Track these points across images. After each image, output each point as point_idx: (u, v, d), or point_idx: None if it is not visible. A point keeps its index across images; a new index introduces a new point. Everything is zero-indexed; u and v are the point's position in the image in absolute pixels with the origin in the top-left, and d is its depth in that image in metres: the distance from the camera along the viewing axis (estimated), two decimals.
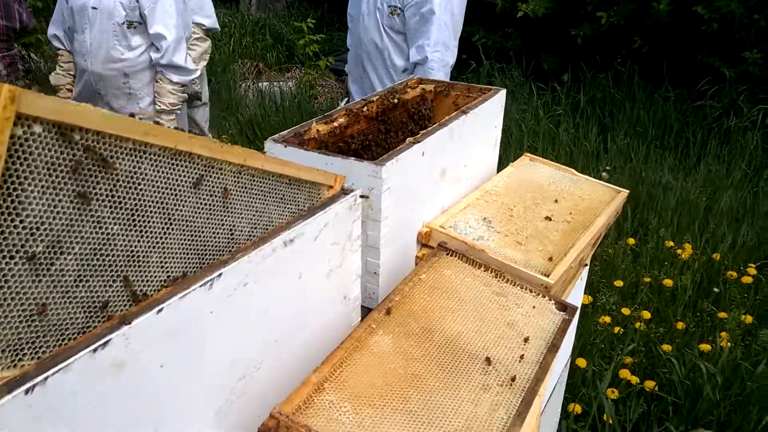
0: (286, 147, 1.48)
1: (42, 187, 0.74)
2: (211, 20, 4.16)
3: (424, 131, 1.58)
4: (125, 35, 3.39)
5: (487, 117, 1.86)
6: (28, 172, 0.72)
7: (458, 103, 1.98)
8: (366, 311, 1.43)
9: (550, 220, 1.68)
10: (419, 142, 1.51)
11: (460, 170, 1.76)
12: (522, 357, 1.19)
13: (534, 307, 1.34)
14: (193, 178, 0.94)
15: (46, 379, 0.74)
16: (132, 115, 0.87)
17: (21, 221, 0.73)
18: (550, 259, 1.54)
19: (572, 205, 1.81)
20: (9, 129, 0.68)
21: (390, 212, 1.44)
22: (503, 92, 1.93)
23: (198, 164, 0.95)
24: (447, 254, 1.47)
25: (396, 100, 1.82)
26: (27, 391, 0.72)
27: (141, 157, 0.86)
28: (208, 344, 0.97)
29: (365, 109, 1.73)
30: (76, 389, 0.78)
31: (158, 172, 0.89)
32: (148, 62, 3.47)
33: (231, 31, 8.99)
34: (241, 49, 8.73)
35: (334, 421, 0.99)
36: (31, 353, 0.77)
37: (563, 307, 1.36)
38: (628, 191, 1.95)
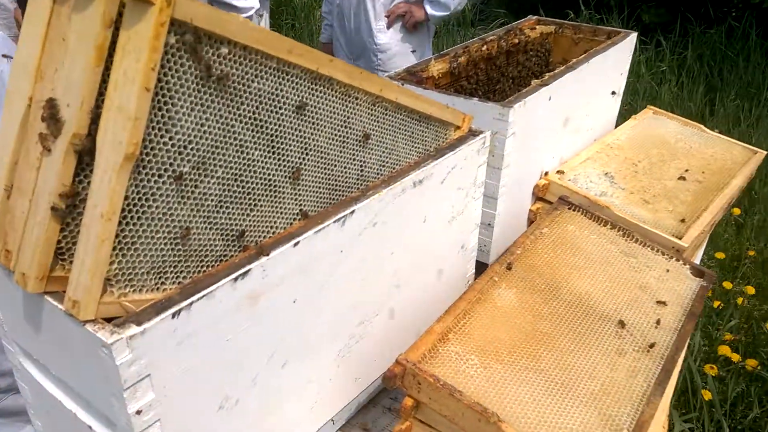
0: (403, 85, 1.40)
1: (191, 102, 0.70)
2: None
3: (551, 74, 1.46)
4: None
5: (614, 63, 1.71)
6: (179, 85, 0.68)
7: (581, 47, 1.83)
8: (477, 264, 1.36)
9: (684, 179, 1.54)
10: (547, 84, 1.40)
11: (581, 120, 1.63)
12: (658, 322, 1.09)
13: (668, 270, 1.23)
14: (331, 105, 0.88)
15: (191, 304, 0.71)
16: None
17: (170, 138, 0.69)
18: (683, 220, 1.41)
19: (703, 164, 1.65)
20: (164, 36, 0.63)
21: (512, 160, 1.35)
22: (634, 36, 1.76)
23: (336, 90, 0.88)
24: (569, 209, 1.37)
25: (516, 41, 1.69)
26: (174, 315, 0.70)
27: (283, 78, 0.80)
28: (335, 285, 0.93)
29: (485, 48, 1.61)
30: (217, 318, 0.75)
31: (298, 96, 0.83)
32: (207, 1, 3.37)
33: None
34: None
35: (461, 373, 0.94)
36: (173, 277, 0.75)
37: (699, 272, 1.24)
38: (765, 152, 1.76)
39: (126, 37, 0.63)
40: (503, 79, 1.74)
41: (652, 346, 1.04)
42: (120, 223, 0.67)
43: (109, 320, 0.68)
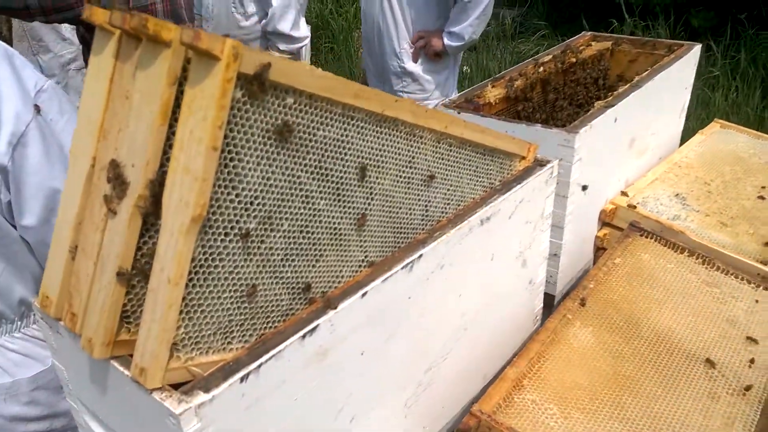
0: (459, 113, 1.35)
1: (257, 157, 0.67)
2: None
3: (616, 93, 1.39)
4: (242, 2, 3.28)
5: (678, 78, 1.62)
6: (245, 141, 0.65)
7: (640, 61, 1.75)
8: (545, 296, 1.30)
9: (763, 198, 1.44)
10: (612, 106, 1.33)
11: (647, 139, 1.55)
12: (752, 361, 1.00)
13: (757, 301, 1.14)
14: (396, 147, 0.84)
15: (259, 366, 0.68)
16: None
17: (237, 195, 0.66)
18: (767, 244, 1.31)
19: None
20: (230, 92, 0.61)
21: (578, 187, 1.28)
22: (698, 48, 1.67)
23: (401, 131, 0.85)
24: (641, 235, 1.29)
25: (574, 59, 1.63)
26: (242, 379, 0.66)
27: (348, 123, 0.77)
28: (402, 333, 0.88)
29: (541, 70, 1.56)
30: (284, 378, 0.71)
31: (363, 140, 0.79)
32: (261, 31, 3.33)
33: None
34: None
35: (540, 424, 0.88)
36: (239, 336, 0.72)
37: None
38: None
39: (191, 95, 0.61)
40: (560, 99, 1.67)
41: (748, 388, 0.95)
42: (186, 285, 0.64)
43: (175, 386, 0.65)
